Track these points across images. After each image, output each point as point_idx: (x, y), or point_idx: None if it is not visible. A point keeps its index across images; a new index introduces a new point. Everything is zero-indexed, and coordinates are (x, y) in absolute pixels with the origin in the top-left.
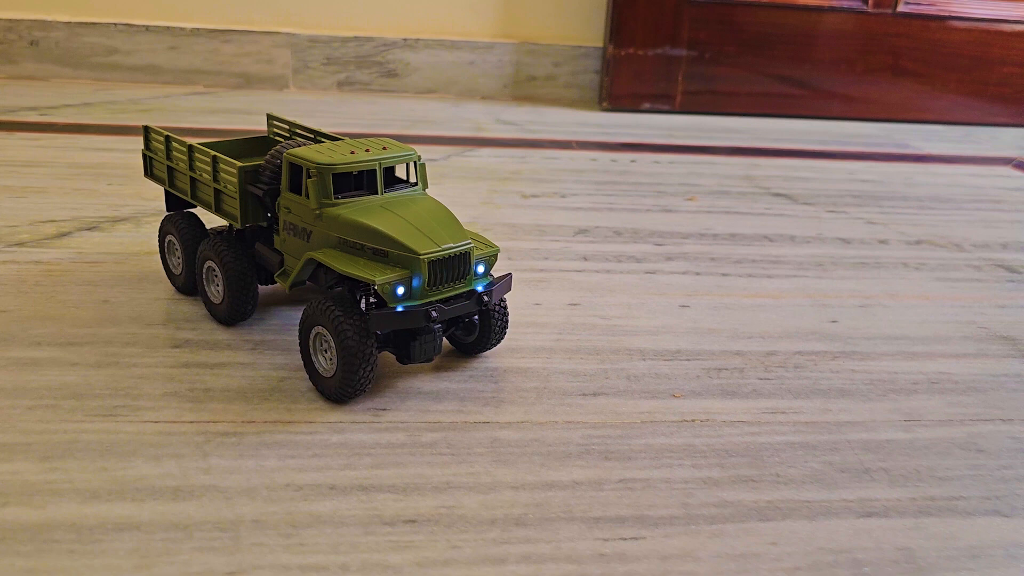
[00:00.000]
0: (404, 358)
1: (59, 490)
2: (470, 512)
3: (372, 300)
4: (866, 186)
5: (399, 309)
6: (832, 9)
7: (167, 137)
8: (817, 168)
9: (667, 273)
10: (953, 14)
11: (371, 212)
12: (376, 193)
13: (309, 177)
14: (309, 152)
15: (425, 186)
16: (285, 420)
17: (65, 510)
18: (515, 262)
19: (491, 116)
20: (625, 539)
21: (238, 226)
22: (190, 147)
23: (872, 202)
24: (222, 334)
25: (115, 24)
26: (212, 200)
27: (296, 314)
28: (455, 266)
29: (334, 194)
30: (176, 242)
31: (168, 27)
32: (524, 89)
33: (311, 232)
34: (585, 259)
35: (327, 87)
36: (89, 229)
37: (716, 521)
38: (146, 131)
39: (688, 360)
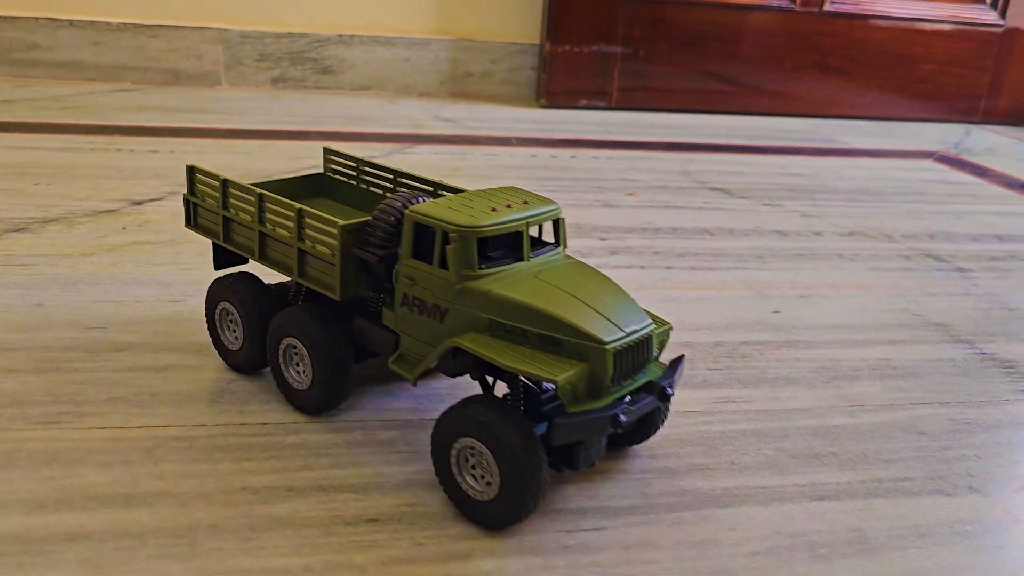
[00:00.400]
0: (562, 465)
1: (3, 501)
2: (432, 509)
3: (520, 399)
4: (798, 180)
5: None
6: (761, 8)
7: (224, 182)
8: (751, 163)
9: (612, 267)
10: (877, 13)
11: (529, 286)
12: (523, 259)
13: (447, 243)
14: (441, 210)
15: (565, 246)
16: (238, 423)
17: (11, 521)
18: None
19: (428, 113)
20: (587, 530)
21: (337, 298)
22: (260, 196)
23: (805, 195)
24: (166, 337)
25: (36, 18)
26: (294, 263)
27: None
28: (638, 354)
29: (479, 263)
30: (236, 312)
31: (92, 22)
32: (461, 86)
33: (447, 311)
34: None
35: (260, 84)
36: (18, 231)
37: (675, 509)
38: (191, 173)
39: None
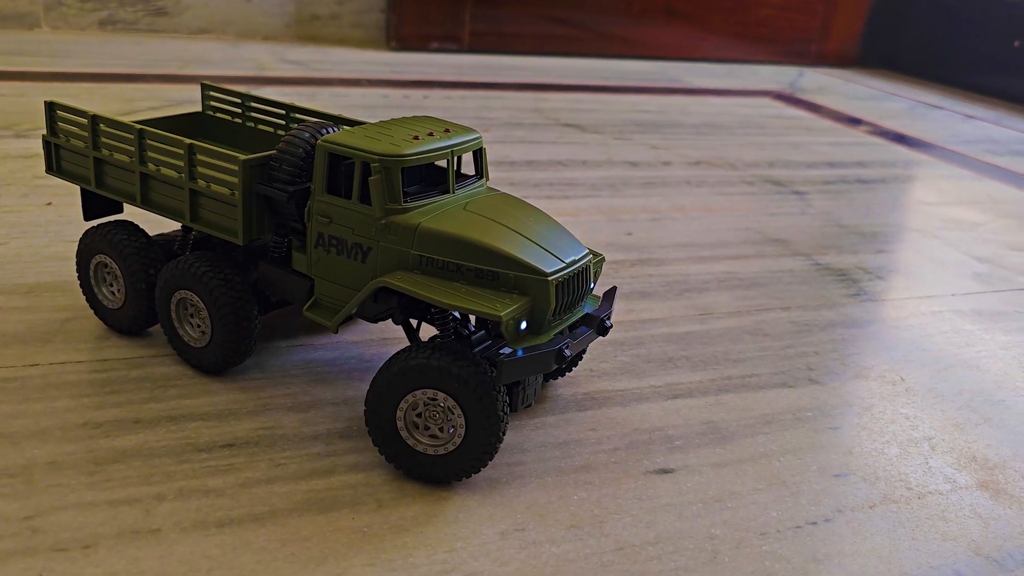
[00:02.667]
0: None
1: None
2: (291, 431)
3: (457, 335)
4: (647, 116)
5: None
6: None
7: (94, 118)
8: (601, 101)
9: None
10: None
11: (460, 219)
12: (448, 192)
13: (370, 174)
14: (358, 139)
15: (487, 178)
16: (75, 360)
17: None
18: None
19: (274, 56)
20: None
21: (239, 242)
22: (140, 131)
23: (654, 129)
24: None
25: None
26: (185, 206)
27: None
28: (578, 286)
29: (403, 196)
30: (115, 265)
31: None
32: (308, 29)
33: (369, 249)
34: None
35: (86, 26)
36: None
37: (537, 415)
38: (50, 110)
39: None
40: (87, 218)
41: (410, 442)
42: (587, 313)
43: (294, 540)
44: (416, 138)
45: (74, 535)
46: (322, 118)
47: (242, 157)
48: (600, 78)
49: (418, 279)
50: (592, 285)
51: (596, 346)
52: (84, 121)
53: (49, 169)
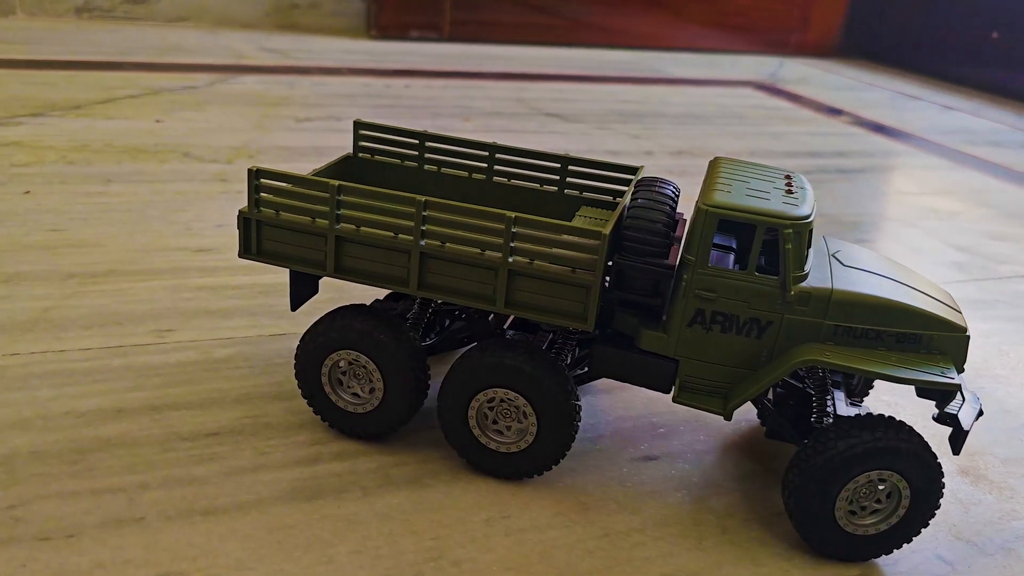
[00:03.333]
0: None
1: None
2: (277, 419)
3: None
4: (628, 106)
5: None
6: None
7: (340, 187)
8: (582, 91)
9: None
10: None
11: (858, 281)
12: (810, 248)
13: (775, 241)
14: (746, 199)
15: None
16: (56, 349)
17: None
18: None
19: (253, 44)
20: (435, 428)
21: (588, 327)
22: (424, 203)
23: (635, 119)
24: None
25: None
26: (497, 289)
27: None
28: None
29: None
30: (369, 362)
31: None
32: (287, 17)
33: (769, 323)
34: None
35: (62, 13)
36: None
37: None
38: (256, 177)
39: None
40: (297, 306)
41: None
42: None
43: (280, 528)
44: (789, 191)
45: (57, 524)
46: (532, 155)
47: (604, 231)
48: (580, 68)
49: (841, 351)
50: None
51: None
52: (323, 194)
53: (246, 252)
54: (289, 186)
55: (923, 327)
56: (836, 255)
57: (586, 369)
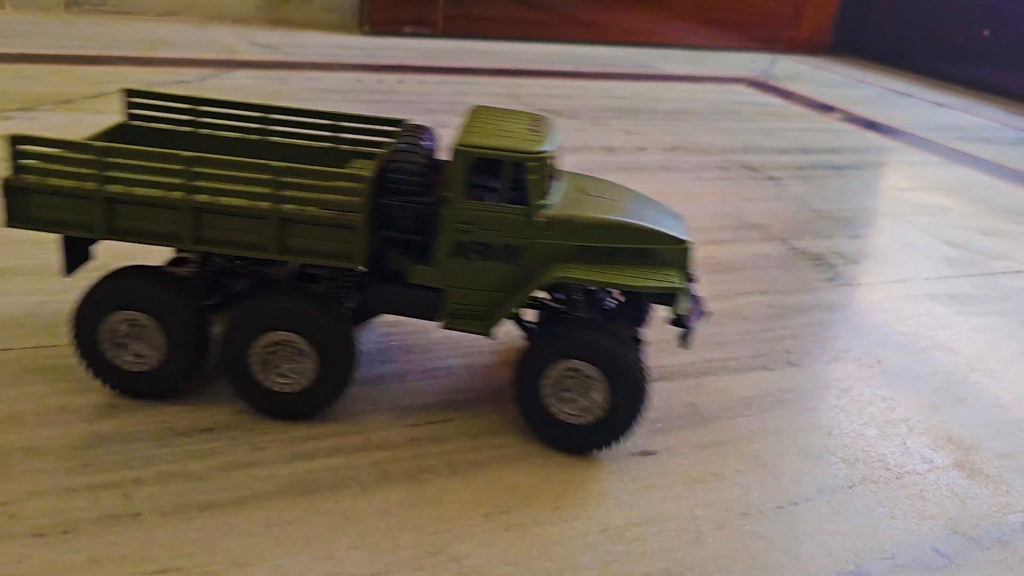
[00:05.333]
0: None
1: None
2: None
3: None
4: (621, 102)
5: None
6: None
7: (107, 148)
8: (575, 87)
9: None
10: None
11: (599, 206)
12: (558, 180)
13: (522, 175)
14: (492, 138)
15: None
16: (49, 345)
17: None
18: None
19: (243, 39)
20: (434, 423)
21: (358, 266)
22: (191, 159)
23: (628, 115)
24: None
25: None
26: (270, 238)
27: None
28: None
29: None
30: (149, 322)
31: None
32: (278, 12)
33: (522, 249)
34: None
35: (51, 7)
36: None
37: None
38: (16, 144)
39: None
40: (70, 271)
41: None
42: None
43: (277, 524)
44: (534, 130)
45: (53, 520)
46: (308, 115)
47: (367, 174)
48: (572, 64)
49: (586, 268)
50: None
51: None
52: (89, 155)
53: (14, 221)
54: (57, 151)
55: (651, 242)
56: (582, 187)
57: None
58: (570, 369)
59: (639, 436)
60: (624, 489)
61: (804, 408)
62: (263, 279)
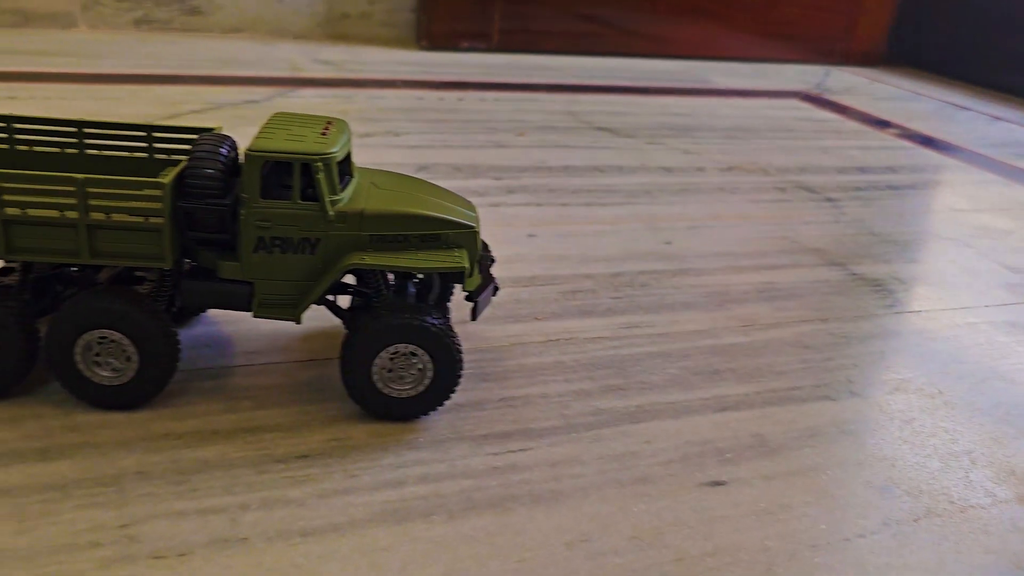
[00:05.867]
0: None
1: None
2: (362, 442)
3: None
4: (678, 119)
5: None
6: None
7: None
8: (632, 103)
9: (511, 205)
10: None
11: (389, 198)
12: (352, 176)
13: (311, 174)
14: (283, 143)
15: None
16: None
17: None
18: None
19: (306, 56)
20: (514, 451)
21: (168, 266)
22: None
23: (685, 133)
24: None
25: None
26: (80, 244)
27: None
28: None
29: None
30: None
31: None
32: (338, 28)
33: (318, 241)
34: None
35: (122, 25)
36: None
37: (594, 427)
38: None
39: (543, 285)
40: None
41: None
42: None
43: (374, 550)
44: (324, 133)
45: (169, 543)
46: (118, 127)
47: (166, 180)
48: (629, 78)
49: (378, 255)
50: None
51: (645, 359)
52: None
53: None
54: None
55: (439, 228)
56: (375, 182)
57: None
58: (397, 352)
59: (709, 466)
60: (697, 519)
61: (868, 439)
62: (90, 282)
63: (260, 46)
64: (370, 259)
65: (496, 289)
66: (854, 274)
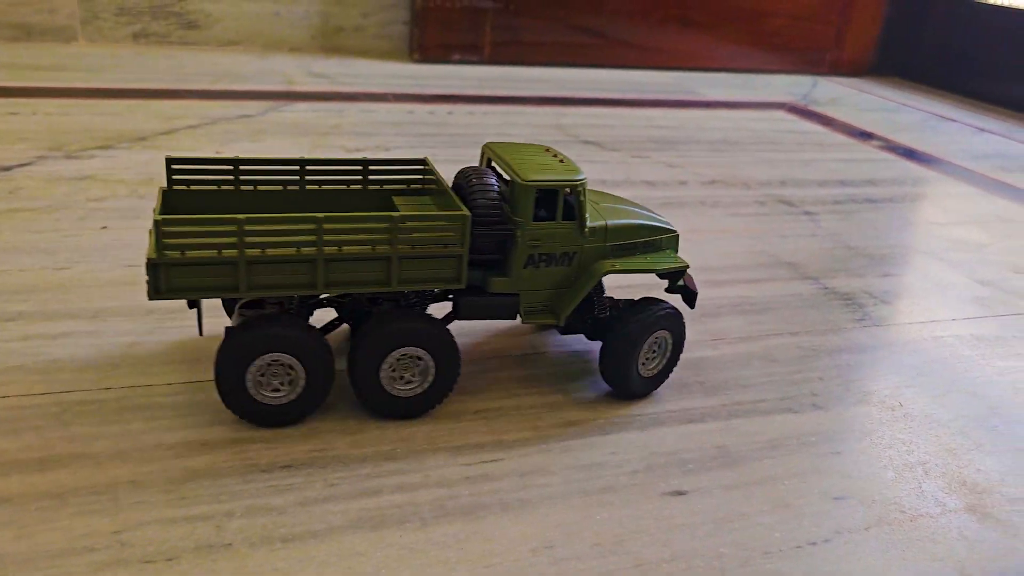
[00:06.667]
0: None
1: None
2: (342, 453)
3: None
4: (664, 132)
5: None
6: None
7: (245, 220)
8: (619, 115)
9: None
10: None
11: (616, 213)
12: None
13: (579, 197)
14: (543, 172)
15: None
16: (143, 384)
17: None
18: None
19: (301, 69)
20: (487, 462)
21: (462, 285)
22: (324, 218)
23: (670, 147)
24: (57, 304)
25: None
26: (388, 273)
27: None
28: None
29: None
30: (294, 362)
31: None
32: (333, 40)
33: (575, 253)
34: None
35: (120, 39)
36: None
37: (563, 439)
38: (163, 226)
39: None
40: (202, 331)
41: (638, 367)
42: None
43: (350, 555)
44: (560, 160)
45: (158, 548)
46: (328, 163)
47: (465, 212)
48: (617, 90)
49: (621, 261)
50: None
51: None
52: (231, 228)
53: (156, 294)
54: (198, 227)
55: (655, 234)
56: (596, 200)
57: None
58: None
59: (672, 476)
60: (657, 527)
61: (827, 451)
62: (361, 307)
63: (256, 59)
64: (619, 265)
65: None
66: (827, 288)
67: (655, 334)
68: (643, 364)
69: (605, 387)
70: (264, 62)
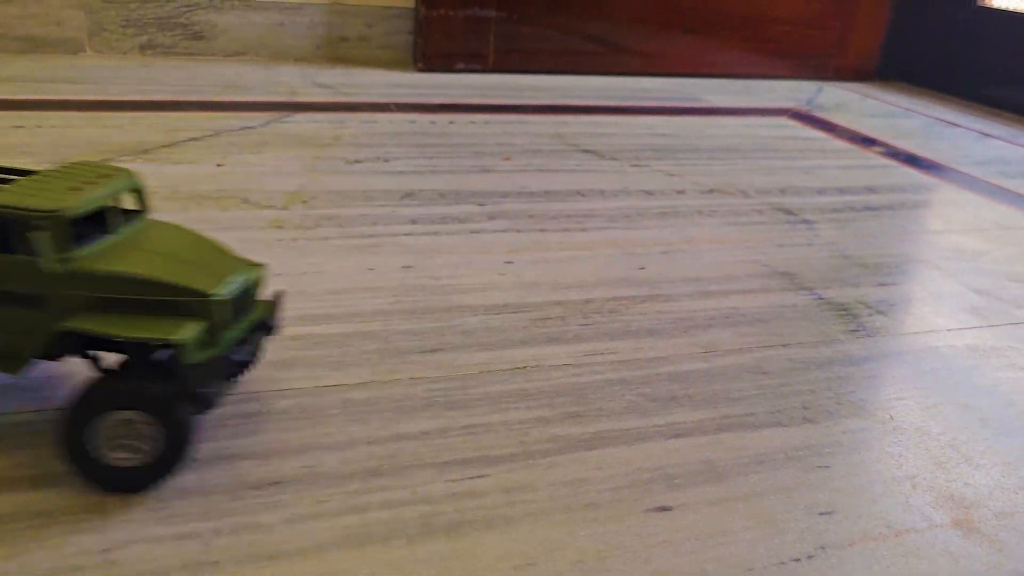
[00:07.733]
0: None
1: None
2: (330, 469)
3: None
4: (663, 140)
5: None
6: None
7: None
8: (619, 123)
9: (490, 232)
10: None
11: (135, 258)
12: (109, 232)
13: (35, 229)
14: (15, 197)
15: (149, 211)
16: None
17: None
18: (345, 228)
19: (305, 79)
20: (472, 478)
21: None
22: None
23: (669, 155)
24: None
25: None
26: None
27: None
28: (244, 300)
29: (72, 245)
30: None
31: None
32: (337, 50)
33: (45, 297)
34: (413, 222)
35: (128, 51)
36: None
37: (549, 454)
38: None
39: (515, 313)
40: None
41: (108, 459)
42: (259, 320)
43: (335, 572)
44: (77, 189)
45: (146, 566)
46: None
47: None
48: (618, 98)
49: (100, 318)
50: (255, 294)
51: (605, 386)
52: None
53: None
54: None
55: (173, 295)
56: (142, 240)
57: None
58: (124, 419)
59: (657, 492)
60: (640, 544)
61: (815, 465)
62: None
63: (261, 70)
64: (84, 324)
65: (243, 369)
66: (821, 298)
67: (117, 414)
68: (107, 447)
69: (594, 400)
70: (269, 72)
